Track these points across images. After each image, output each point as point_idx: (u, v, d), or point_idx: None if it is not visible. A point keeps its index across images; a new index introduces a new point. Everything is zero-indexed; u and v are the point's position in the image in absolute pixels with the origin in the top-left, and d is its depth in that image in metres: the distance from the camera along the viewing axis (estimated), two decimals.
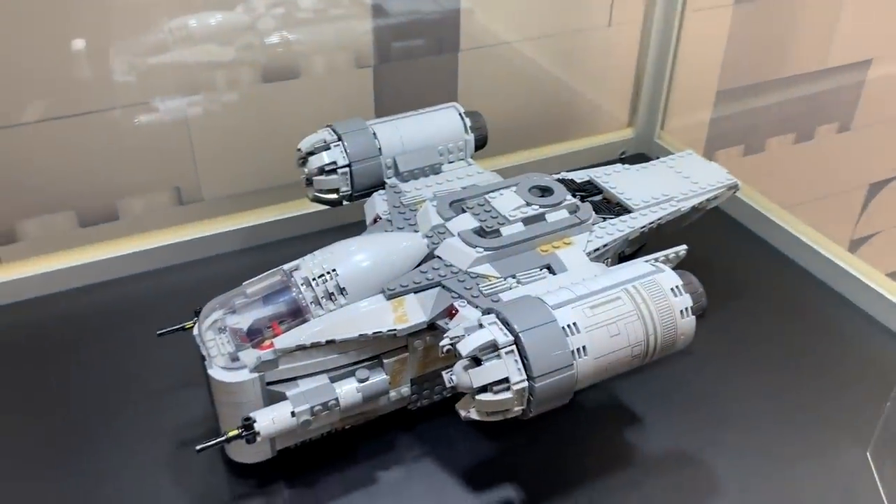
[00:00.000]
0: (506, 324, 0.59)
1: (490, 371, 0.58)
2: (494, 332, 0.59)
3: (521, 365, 0.58)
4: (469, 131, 0.88)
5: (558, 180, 0.82)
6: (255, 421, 0.65)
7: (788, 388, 0.83)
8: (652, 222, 0.79)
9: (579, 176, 0.86)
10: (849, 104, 1.55)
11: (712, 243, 1.03)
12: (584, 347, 0.59)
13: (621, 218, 0.78)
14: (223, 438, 0.65)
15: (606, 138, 1.24)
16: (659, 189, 0.83)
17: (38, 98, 0.88)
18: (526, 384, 0.58)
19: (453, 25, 1.07)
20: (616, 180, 0.84)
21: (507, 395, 0.58)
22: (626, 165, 0.88)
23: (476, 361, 0.59)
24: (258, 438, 0.65)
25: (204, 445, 0.65)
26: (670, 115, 1.26)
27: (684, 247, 0.77)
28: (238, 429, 0.65)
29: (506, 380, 0.58)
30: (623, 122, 1.26)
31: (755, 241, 1.07)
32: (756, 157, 1.49)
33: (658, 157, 1.21)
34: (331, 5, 0.99)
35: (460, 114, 0.88)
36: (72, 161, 0.93)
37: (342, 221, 0.98)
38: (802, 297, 0.97)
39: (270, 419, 0.65)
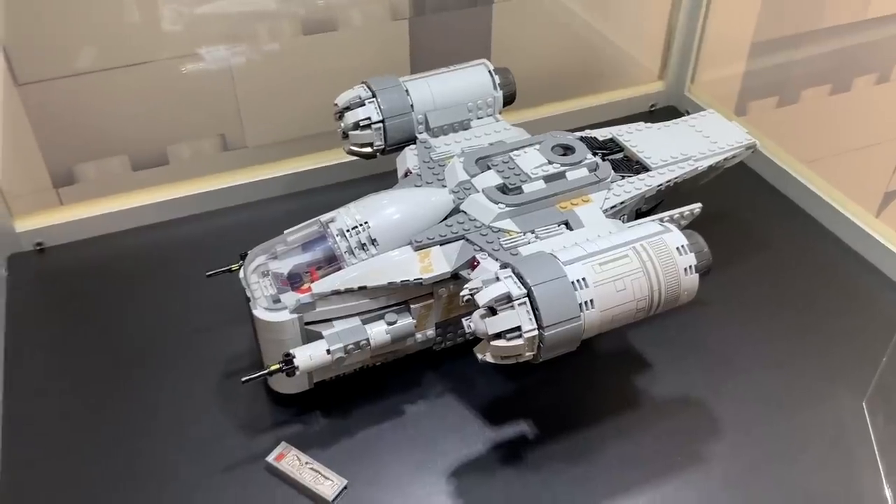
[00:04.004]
0: (520, 277, 0.64)
1: (504, 320, 0.63)
2: (509, 284, 0.64)
3: (532, 315, 0.63)
4: (498, 88, 0.91)
5: (581, 138, 0.86)
6: (294, 357, 0.71)
7: (793, 339, 0.88)
8: (668, 181, 0.83)
9: (602, 134, 0.89)
10: (889, 55, 1.53)
11: (734, 197, 1.06)
12: (591, 301, 0.64)
13: (639, 176, 0.82)
14: (266, 372, 0.72)
15: (637, 91, 1.26)
16: (678, 148, 0.86)
17: (94, 50, 0.93)
18: (536, 332, 0.64)
19: None
20: (637, 139, 0.88)
21: (519, 341, 0.63)
22: (649, 124, 0.91)
23: (492, 311, 0.64)
24: (297, 372, 0.71)
25: (249, 377, 0.72)
26: (702, 68, 1.27)
27: (699, 205, 0.81)
28: (279, 363, 0.72)
29: (518, 328, 0.63)
30: (654, 75, 1.28)
31: (776, 195, 1.10)
32: (790, 109, 1.49)
33: (687, 111, 1.24)
34: None
35: (490, 71, 0.91)
36: (125, 108, 0.98)
37: (377, 170, 1.02)
38: (816, 252, 1.00)
39: (308, 355, 0.72)
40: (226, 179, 1.06)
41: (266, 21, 1.00)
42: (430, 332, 0.79)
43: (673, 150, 0.86)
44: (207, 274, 0.81)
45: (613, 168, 0.82)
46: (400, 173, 0.86)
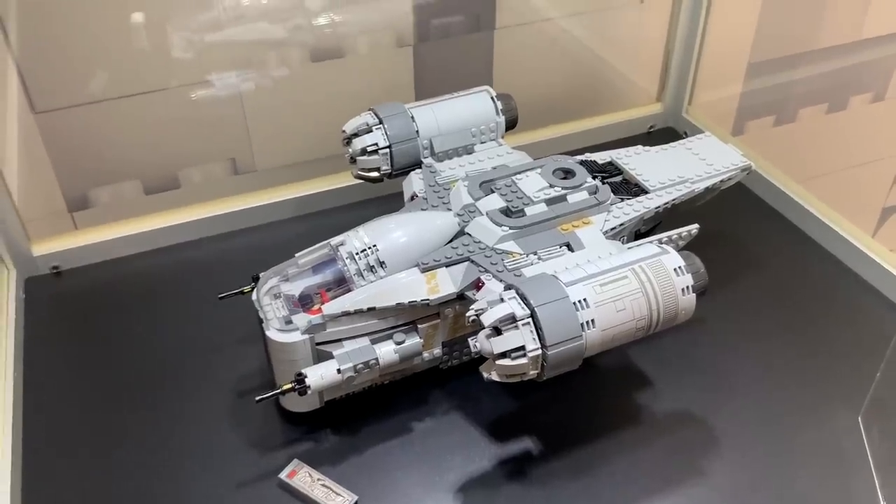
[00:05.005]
0: (523, 298, 0.67)
1: (509, 340, 0.66)
2: (513, 305, 0.66)
3: (535, 335, 0.66)
4: (500, 114, 0.94)
5: (581, 162, 0.88)
6: (306, 376, 0.73)
7: (790, 356, 0.89)
8: (666, 203, 0.85)
9: (601, 157, 0.92)
10: (884, 74, 1.55)
11: (732, 217, 1.08)
12: (592, 321, 0.67)
13: (637, 199, 0.85)
14: (279, 391, 0.74)
15: (636, 113, 1.28)
16: (675, 171, 0.89)
17: (108, 79, 0.96)
18: (540, 352, 0.66)
19: (490, 4, 1.12)
20: (635, 162, 0.90)
21: (523, 360, 0.66)
22: (647, 147, 0.94)
23: (497, 331, 0.67)
24: (309, 391, 0.74)
25: (262, 396, 0.74)
26: (700, 90, 1.29)
27: (696, 226, 0.83)
28: (291, 383, 0.74)
29: (522, 348, 0.66)
30: (652, 97, 1.31)
31: (773, 215, 1.12)
32: (787, 128, 1.52)
33: (685, 132, 1.27)
34: None
35: (492, 97, 0.94)
36: (138, 134, 1.01)
37: (383, 192, 1.04)
38: (812, 271, 1.02)
39: (319, 375, 0.74)
40: (236, 203, 1.08)
41: (275, 49, 1.03)
42: (437, 351, 0.82)
43: (670, 173, 0.88)
44: (220, 296, 0.83)
45: (613, 191, 0.85)
46: (406, 197, 0.89)
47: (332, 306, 0.75)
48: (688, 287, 0.70)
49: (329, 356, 0.75)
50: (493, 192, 0.83)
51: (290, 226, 1.09)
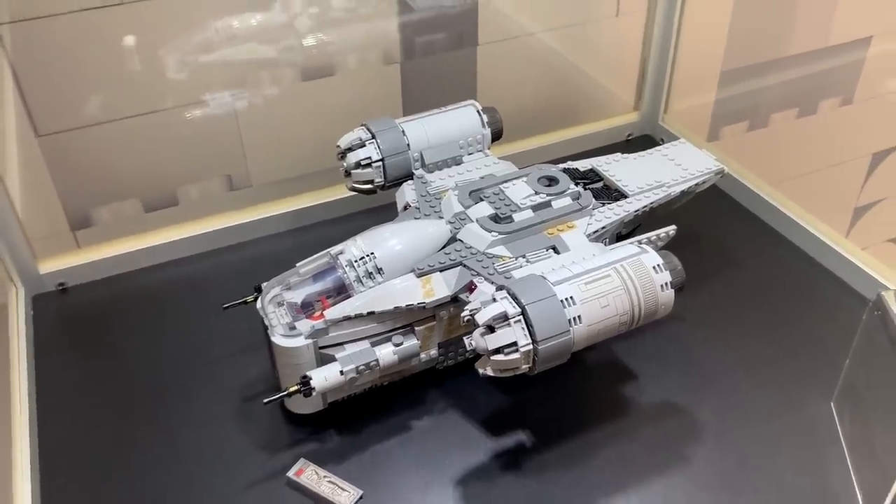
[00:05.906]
0: (514, 298, 0.71)
1: (502, 336, 0.70)
2: (505, 304, 0.71)
3: (527, 331, 0.70)
4: (486, 126, 0.98)
5: (564, 170, 0.93)
6: (311, 379, 0.77)
7: (766, 349, 0.94)
8: (645, 206, 0.90)
9: (583, 165, 0.97)
10: (851, 79, 1.61)
11: (708, 219, 1.13)
12: (579, 317, 0.71)
13: (618, 203, 0.90)
14: (285, 393, 0.78)
15: (614, 122, 1.33)
16: (652, 176, 0.93)
17: (107, 102, 0.99)
18: (531, 347, 0.70)
19: (472, 21, 1.17)
20: (615, 168, 0.95)
21: (516, 355, 0.70)
22: (625, 154, 0.99)
23: (490, 329, 0.71)
24: (313, 393, 0.77)
25: (270, 399, 0.78)
26: (675, 98, 1.34)
27: (673, 227, 0.88)
28: (297, 385, 0.78)
29: (514, 343, 0.70)
30: (629, 106, 1.36)
31: (748, 217, 1.16)
32: (760, 132, 1.57)
33: (662, 139, 1.32)
34: (360, 4, 1.08)
35: (478, 110, 0.98)
36: (136, 154, 1.04)
37: (375, 204, 1.07)
38: (786, 268, 1.07)
39: (323, 377, 0.78)
40: (233, 218, 1.12)
41: (267, 68, 1.07)
42: (434, 352, 0.86)
43: (648, 178, 0.93)
44: (224, 306, 0.86)
45: (594, 196, 0.90)
46: (399, 207, 0.93)
47: (334, 312, 0.79)
48: (666, 283, 0.75)
49: (332, 359, 0.79)
50: (482, 200, 0.87)
51: (286, 238, 1.13)
